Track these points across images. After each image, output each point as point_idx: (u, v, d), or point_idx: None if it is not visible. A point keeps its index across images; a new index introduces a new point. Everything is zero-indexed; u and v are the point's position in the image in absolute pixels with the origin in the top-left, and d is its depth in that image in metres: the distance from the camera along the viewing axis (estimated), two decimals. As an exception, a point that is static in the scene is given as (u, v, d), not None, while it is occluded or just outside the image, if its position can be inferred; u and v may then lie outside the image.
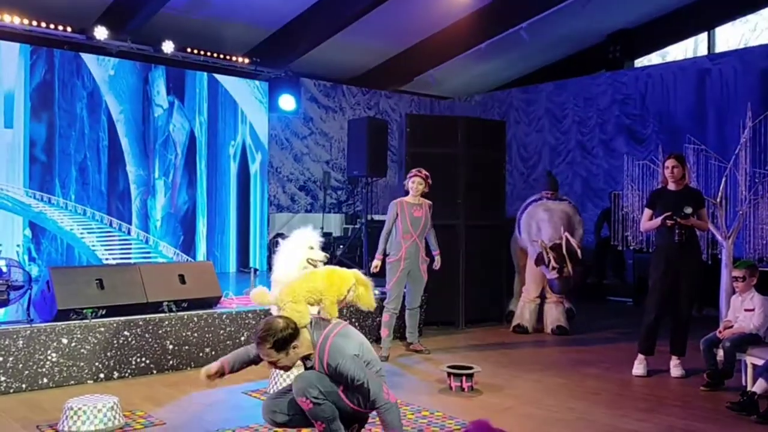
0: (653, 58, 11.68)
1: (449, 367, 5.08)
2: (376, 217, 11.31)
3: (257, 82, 10.68)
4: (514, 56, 11.82)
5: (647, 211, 5.56)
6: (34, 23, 8.32)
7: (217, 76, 10.28)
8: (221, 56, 10.04)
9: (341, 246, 10.44)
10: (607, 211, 9.82)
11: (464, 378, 4.96)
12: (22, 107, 8.57)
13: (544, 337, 7.24)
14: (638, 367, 5.50)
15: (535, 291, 7.48)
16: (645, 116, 10.88)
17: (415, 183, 6.08)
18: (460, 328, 7.64)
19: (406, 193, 6.18)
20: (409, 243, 6.07)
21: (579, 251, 7.00)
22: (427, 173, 6.16)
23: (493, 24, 10.51)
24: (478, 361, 5.52)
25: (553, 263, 6.92)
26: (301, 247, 5.00)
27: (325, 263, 4.95)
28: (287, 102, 10.83)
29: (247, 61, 10.31)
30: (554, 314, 7.38)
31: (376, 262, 6.13)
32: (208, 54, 9.90)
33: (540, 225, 7.30)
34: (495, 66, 12.21)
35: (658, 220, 5.35)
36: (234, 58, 10.18)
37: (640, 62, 11.74)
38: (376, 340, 6.28)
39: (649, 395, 4.95)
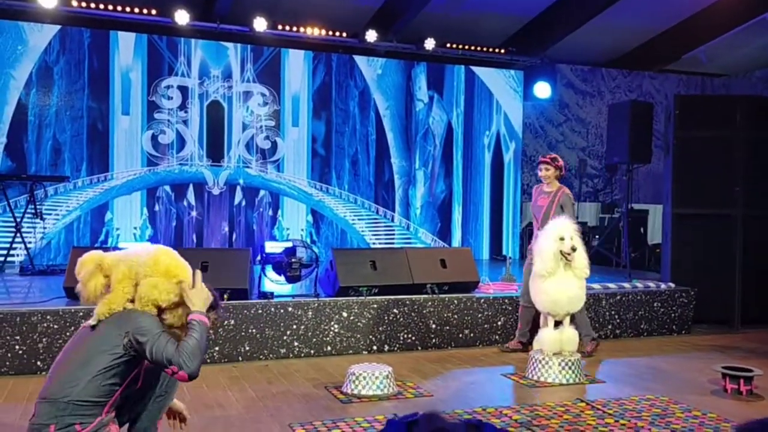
0: None
1: (724, 367, 4.70)
2: (637, 206, 10.73)
3: (512, 72, 10.76)
4: (806, 23, 10.30)
5: None
6: (316, 32, 9.34)
7: (474, 69, 10.56)
8: (478, 48, 10.29)
9: (597, 236, 10.11)
10: None
11: (742, 381, 4.55)
12: (306, 107, 9.70)
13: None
14: None
15: None
16: None
17: (541, 171, 5.75)
18: (736, 327, 6.97)
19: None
20: (538, 232, 5.52)
21: None
22: (554, 156, 5.74)
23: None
24: (759, 365, 5.01)
25: None
26: (551, 239, 4.97)
27: (576, 250, 4.88)
28: (542, 89, 10.74)
29: (503, 51, 10.44)
30: None
31: None
32: (466, 47, 10.22)
33: None
34: (781, 36, 10.76)
35: None
36: (490, 50, 10.38)
37: None
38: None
39: None
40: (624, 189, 9.20)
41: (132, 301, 2.81)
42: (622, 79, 11.97)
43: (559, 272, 4.96)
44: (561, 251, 4.93)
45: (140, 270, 2.83)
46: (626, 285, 6.87)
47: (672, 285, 6.95)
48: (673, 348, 6.13)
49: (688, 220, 7.17)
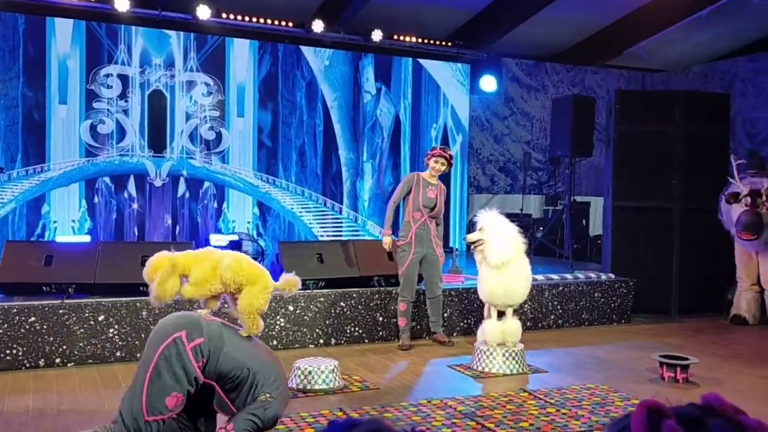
0: None
1: (661, 356, 4.84)
2: (579, 199, 10.97)
3: (459, 65, 10.82)
4: (740, 22, 10.67)
5: None
6: (261, 21, 9.18)
7: (421, 61, 10.58)
8: (425, 41, 10.31)
9: (541, 228, 10.29)
10: None
11: (679, 369, 4.70)
12: (252, 98, 9.54)
13: (770, 332, 6.59)
14: None
15: (746, 278, 6.82)
16: None
17: (438, 163, 5.54)
18: (674, 317, 7.20)
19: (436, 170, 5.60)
20: (419, 224, 5.51)
21: None
22: (452, 154, 5.67)
23: (717, -12, 9.58)
24: (694, 353, 5.19)
25: (746, 199, 6.32)
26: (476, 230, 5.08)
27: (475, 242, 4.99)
28: (488, 83, 10.84)
29: (449, 44, 10.48)
30: (779, 306, 6.68)
31: (386, 239, 5.60)
32: (413, 40, 10.22)
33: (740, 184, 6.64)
34: (717, 34, 11.12)
35: None
36: (437, 42, 10.41)
37: None
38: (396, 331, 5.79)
39: None
40: (567, 182, 9.39)
41: (214, 297, 3.23)
42: (565, 74, 12.19)
43: (484, 262, 5.05)
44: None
45: (226, 275, 3.15)
46: (568, 276, 7.02)
47: (612, 276, 7.14)
48: (613, 337, 6.29)
49: (628, 213, 7.36)
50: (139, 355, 5.11)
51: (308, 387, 4.35)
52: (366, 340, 5.88)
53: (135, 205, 8.92)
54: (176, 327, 2.99)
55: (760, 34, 11.36)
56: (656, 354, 4.91)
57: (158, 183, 9.02)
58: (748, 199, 6.42)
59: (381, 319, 5.93)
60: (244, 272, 3.19)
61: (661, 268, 7.24)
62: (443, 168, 5.59)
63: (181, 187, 9.14)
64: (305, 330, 5.67)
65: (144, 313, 5.17)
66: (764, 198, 6.41)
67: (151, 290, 3.11)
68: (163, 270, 3.07)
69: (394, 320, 5.94)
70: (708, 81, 11.98)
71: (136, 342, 5.14)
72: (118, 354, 5.13)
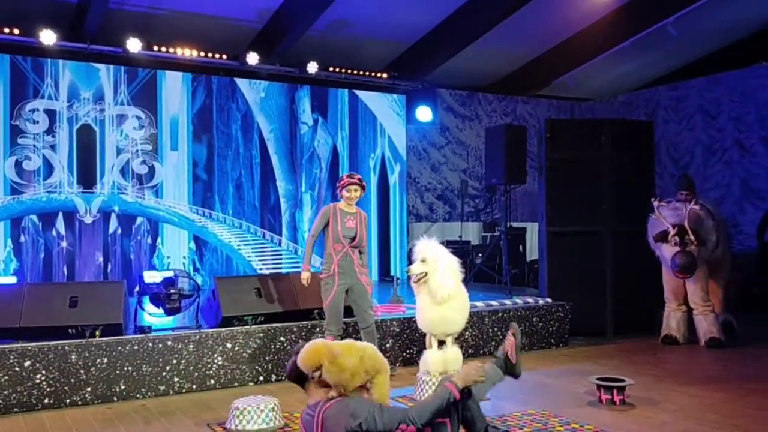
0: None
1: (598, 378, 4.94)
2: (516, 224, 11.19)
3: (395, 96, 10.96)
4: (661, 53, 11.23)
5: None
6: (195, 53, 9.09)
7: (357, 92, 10.67)
8: (361, 72, 10.42)
9: (480, 254, 10.43)
10: (771, 214, 9.11)
11: (615, 390, 4.80)
12: (186, 131, 9.39)
13: (699, 350, 6.81)
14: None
15: (673, 299, 7.07)
16: (813, 109, 9.93)
17: (350, 192, 5.40)
18: (609, 338, 7.38)
19: (340, 199, 5.52)
20: (341, 255, 5.33)
21: (711, 239, 6.68)
22: (361, 177, 5.52)
23: (638, 21, 10.06)
24: (630, 374, 5.32)
25: (675, 239, 6.58)
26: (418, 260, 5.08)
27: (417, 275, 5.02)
28: (424, 113, 11.02)
29: (385, 75, 10.62)
30: (704, 326, 6.89)
31: (305, 274, 5.38)
32: (349, 71, 10.31)
33: (661, 227, 6.92)
34: (640, 64, 11.66)
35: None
36: (373, 74, 10.53)
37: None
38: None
39: (827, 415, 4.53)
40: (503, 208, 9.58)
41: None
42: (497, 104, 12.51)
43: (424, 293, 5.06)
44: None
45: (368, 363, 3.49)
46: (507, 302, 7.12)
47: (549, 300, 7.27)
48: (552, 361, 6.39)
49: (562, 237, 7.54)
50: (69, 401, 4.89)
51: (247, 427, 4.23)
52: (307, 375, 5.77)
53: (64, 244, 8.59)
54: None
55: (680, 64, 11.97)
56: (593, 377, 5.00)
57: (88, 220, 8.73)
58: (677, 238, 6.66)
59: (322, 352, 5.84)
60: (378, 360, 3.54)
61: (595, 290, 7.42)
62: (357, 194, 5.45)
63: (113, 224, 8.86)
64: (244, 367, 5.54)
65: (73, 356, 4.95)
66: (689, 234, 6.66)
67: (329, 378, 3.36)
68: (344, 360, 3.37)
69: (336, 353, 5.85)
70: (632, 109, 12.50)
71: (65, 388, 4.91)
72: (45, 401, 4.87)
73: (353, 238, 5.40)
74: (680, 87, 11.81)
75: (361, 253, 5.51)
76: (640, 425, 4.33)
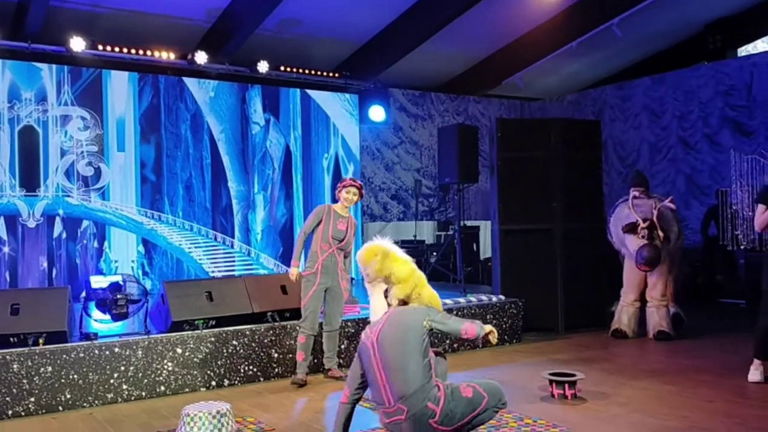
0: (759, 45, 11.04)
1: (551, 374, 5.00)
2: (469, 223, 11.29)
3: (347, 95, 10.93)
4: (607, 53, 11.50)
5: (761, 207, 5.26)
6: (141, 52, 8.87)
7: (309, 92, 10.59)
8: (312, 72, 10.35)
9: (434, 253, 10.48)
10: (714, 209, 9.39)
11: (567, 385, 4.87)
12: (132, 131, 9.16)
13: (648, 343, 6.97)
14: (754, 373, 5.21)
15: (632, 294, 7.22)
16: (752, 107, 10.29)
17: (350, 194, 5.47)
18: (560, 333, 7.50)
19: (337, 201, 5.57)
20: (326, 255, 5.41)
21: (674, 232, 6.82)
22: (361, 184, 5.62)
23: (584, 22, 10.27)
24: (581, 368, 5.40)
25: (644, 231, 6.74)
26: None
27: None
28: (377, 113, 11.01)
29: (337, 75, 10.57)
30: (655, 319, 7.08)
31: (293, 270, 5.45)
32: (300, 71, 10.23)
33: (628, 219, 7.08)
34: (587, 64, 11.91)
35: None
36: (325, 73, 10.47)
37: (744, 51, 11.12)
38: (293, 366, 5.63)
39: (767, 403, 4.68)
40: (457, 207, 9.64)
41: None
42: (450, 103, 12.60)
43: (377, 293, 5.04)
44: None
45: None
46: (461, 300, 7.16)
47: (502, 297, 7.34)
48: (506, 358, 6.45)
49: (514, 235, 7.63)
50: (11, 412, 4.70)
51: (199, 434, 4.12)
52: (261, 379, 5.70)
53: (6, 249, 8.29)
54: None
55: (626, 64, 12.28)
56: (545, 372, 5.07)
57: (31, 224, 8.43)
58: (646, 231, 6.81)
59: (276, 355, 5.78)
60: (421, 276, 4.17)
61: (547, 287, 7.53)
62: (355, 198, 5.52)
63: (57, 227, 8.58)
64: (195, 373, 5.42)
65: (15, 366, 4.76)
66: (658, 229, 6.82)
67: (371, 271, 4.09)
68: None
69: (291, 356, 5.80)
70: (581, 108, 12.75)
71: (7, 398, 4.72)
72: (-15, 414, 4.68)
73: (341, 240, 5.49)
74: (626, 86, 12.10)
75: (345, 257, 5.58)
76: (591, 419, 4.40)
